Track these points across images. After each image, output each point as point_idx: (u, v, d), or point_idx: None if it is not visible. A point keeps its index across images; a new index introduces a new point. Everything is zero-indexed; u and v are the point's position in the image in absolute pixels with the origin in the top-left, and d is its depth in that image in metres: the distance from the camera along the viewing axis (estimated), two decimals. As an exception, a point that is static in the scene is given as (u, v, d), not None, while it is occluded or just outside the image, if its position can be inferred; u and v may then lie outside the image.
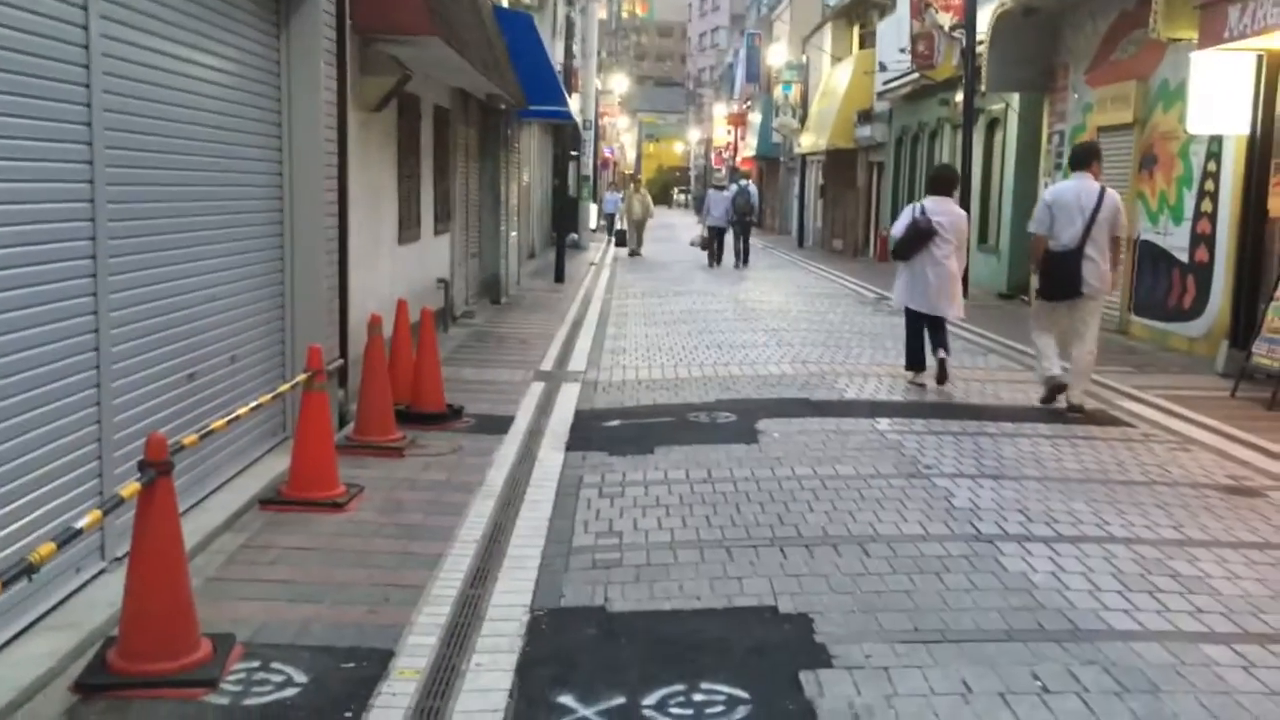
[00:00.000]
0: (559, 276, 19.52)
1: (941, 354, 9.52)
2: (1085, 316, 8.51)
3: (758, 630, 4.27)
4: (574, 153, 26.75)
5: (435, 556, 5.12)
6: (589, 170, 30.41)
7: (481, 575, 4.91)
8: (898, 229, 9.85)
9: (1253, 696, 3.68)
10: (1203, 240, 11.66)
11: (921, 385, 9.55)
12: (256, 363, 6.63)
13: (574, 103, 23.67)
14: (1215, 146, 11.39)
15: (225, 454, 6.10)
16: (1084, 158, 8.72)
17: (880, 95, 25.67)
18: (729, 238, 24.87)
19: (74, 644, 4.02)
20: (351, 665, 3.96)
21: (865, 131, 27.54)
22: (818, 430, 7.70)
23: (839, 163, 30.75)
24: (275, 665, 3.93)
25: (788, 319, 14.62)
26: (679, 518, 5.73)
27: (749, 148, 48.47)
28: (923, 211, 9.57)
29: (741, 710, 3.62)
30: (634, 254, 27.43)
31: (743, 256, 24.70)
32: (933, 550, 5.15)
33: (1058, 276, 8.47)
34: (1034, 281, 9.32)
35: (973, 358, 11.41)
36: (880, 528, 5.50)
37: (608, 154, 47.08)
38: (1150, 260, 12.84)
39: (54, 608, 4.26)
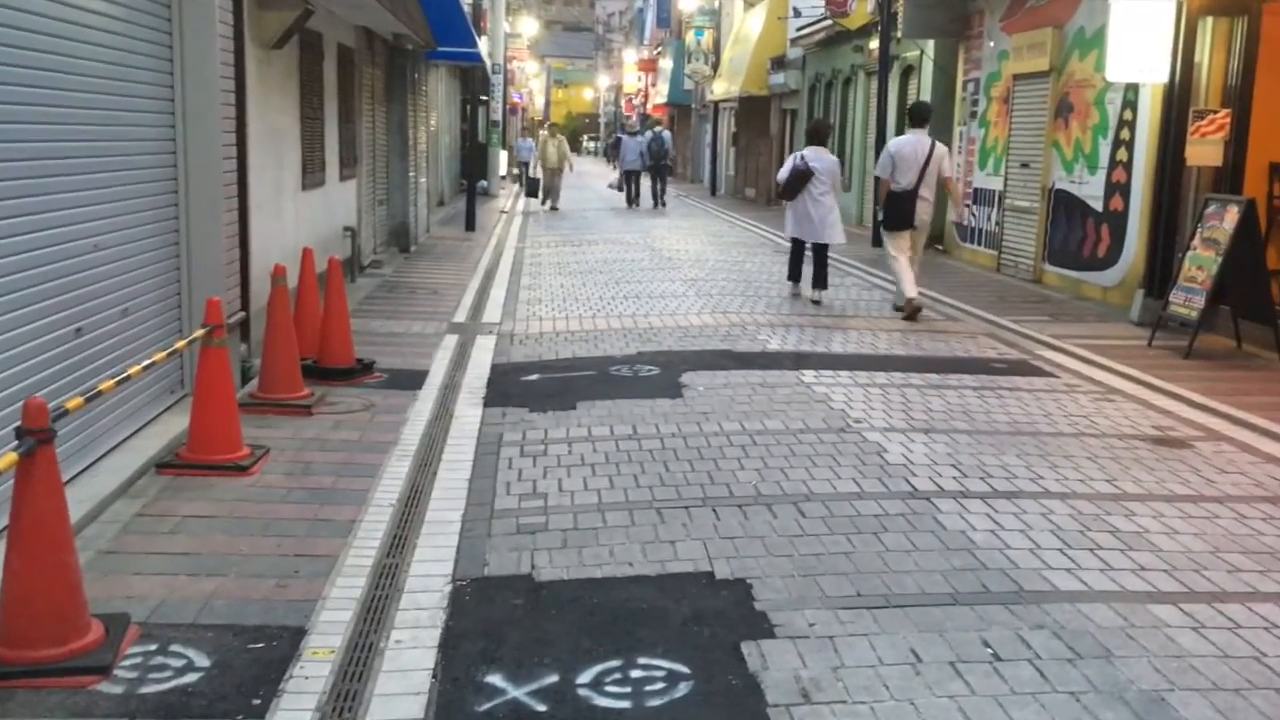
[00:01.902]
0: (470, 224, 19.04)
1: (823, 272, 11.60)
2: (917, 241, 10.96)
3: (695, 598, 4.06)
4: (483, 97, 26.11)
5: (348, 523, 4.81)
6: (498, 116, 29.75)
7: (399, 542, 4.62)
8: (782, 174, 11.90)
9: (1206, 660, 3.58)
10: (1118, 189, 11.70)
11: (798, 295, 11.74)
12: (151, 315, 6.20)
13: (482, 45, 23.02)
14: (1132, 95, 11.40)
15: (118, 414, 5.69)
16: (922, 115, 11.14)
17: (794, 42, 25.43)
18: (645, 181, 26.84)
19: (-53, 629, 3.65)
20: (260, 646, 3.65)
21: (779, 79, 27.32)
22: (743, 383, 7.52)
23: (752, 110, 30.52)
24: (175, 648, 3.61)
25: (705, 268, 14.41)
26: (606, 477, 5.49)
27: (660, 94, 47.95)
28: (802, 159, 11.61)
29: (683, 687, 3.40)
30: (552, 208, 24.54)
31: (659, 198, 26.82)
32: (869, 509, 4.99)
33: (899, 211, 10.75)
34: (878, 216, 11.73)
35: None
36: (814, 486, 5.33)
37: (517, 100, 46.17)
38: (1064, 209, 12.89)
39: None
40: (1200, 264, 9.04)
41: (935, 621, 3.82)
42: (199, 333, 5.35)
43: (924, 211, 10.74)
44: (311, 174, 10.37)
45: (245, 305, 7.51)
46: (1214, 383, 7.82)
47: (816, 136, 12.06)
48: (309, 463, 5.68)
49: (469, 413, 6.75)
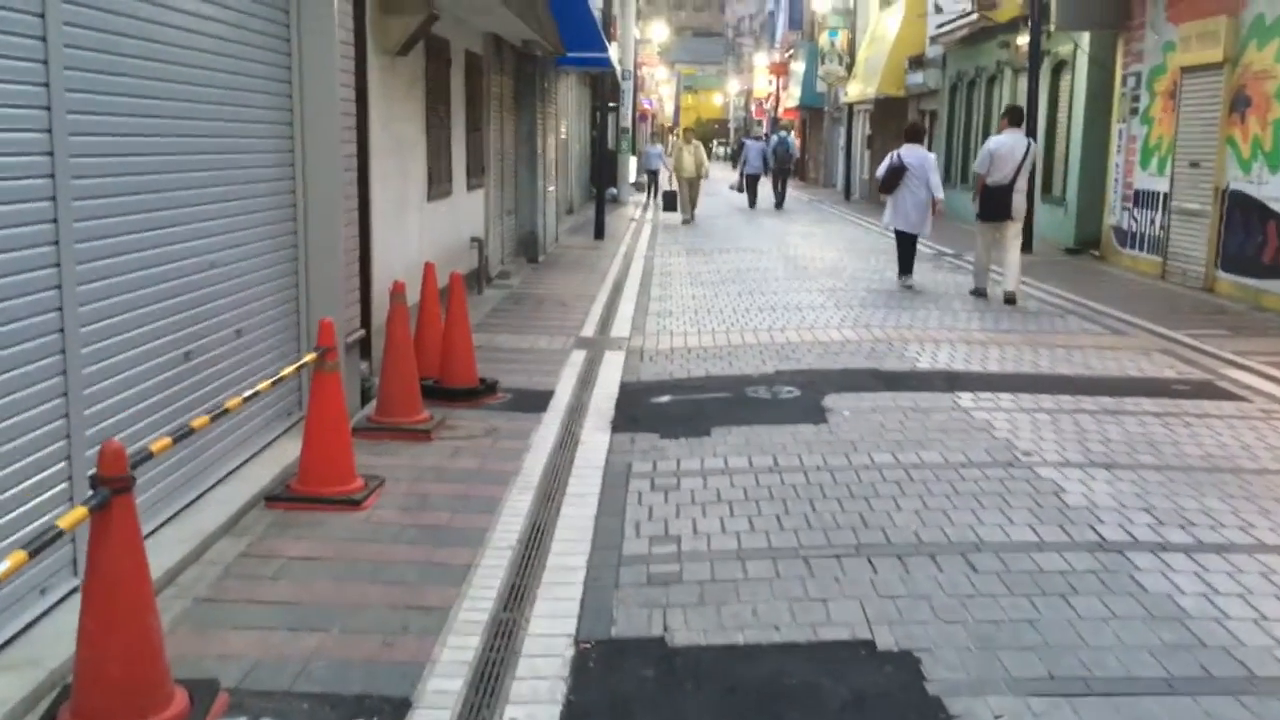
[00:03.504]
0: (599, 233, 18.69)
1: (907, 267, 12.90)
2: (1012, 232, 11.74)
3: (854, 674, 3.49)
4: (612, 104, 25.80)
5: (464, 568, 4.38)
6: (628, 122, 29.45)
7: (517, 593, 4.17)
8: (881, 170, 12.99)
9: None
10: (1304, 189, 10.63)
11: (910, 287, 12.60)
12: (266, 336, 5.89)
13: (612, 51, 22.70)
14: (1320, 86, 10.34)
15: (230, 440, 5.39)
16: (1018, 117, 12.21)
17: (934, 39, 24.44)
18: (764, 183, 28.19)
19: (29, 689, 3.33)
20: (358, 721, 3.23)
21: (917, 78, 26.33)
22: (893, 407, 6.88)
23: (888, 112, 29.52)
24: (265, 722, 3.21)
25: (843, 277, 13.73)
26: (745, 517, 4.95)
27: (792, 98, 47.10)
28: (898, 157, 12.76)
29: (846, 796, 2.85)
30: (686, 221, 22.49)
31: (780, 199, 27.94)
32: (1052, 563, 4.33)
33: (995, 204, 11.71)
34: (975, 207, 12.18)
35: (1050, 320, 10.49)
36: (983, 532, 4.69)
37: (646, 106, 45.91)
38: (1241, 212, 11.81)
39: (10, 640, 3.57)
40: None
41: (1151, 717, 3.17)
42: (309, 357, 5.00)
43: (1019, 204, 11.71)
44: (437, 184, 10.10)
45: (366, 323, 7.21)
46: None
47: (911, 135, 13.25)
48: (425, 495, 5.29)
49: (596, 439, 6.29)
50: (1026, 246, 16.16)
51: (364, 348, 7.16)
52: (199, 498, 4.99)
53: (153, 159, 4.62)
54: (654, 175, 29.65)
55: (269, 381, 4.56)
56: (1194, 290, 12.40)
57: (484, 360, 7.84)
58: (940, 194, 12.77)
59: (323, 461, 5.11)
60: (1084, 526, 4.73)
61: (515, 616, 3.97)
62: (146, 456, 3.30)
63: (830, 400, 7.06)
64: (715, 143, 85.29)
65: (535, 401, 7.12)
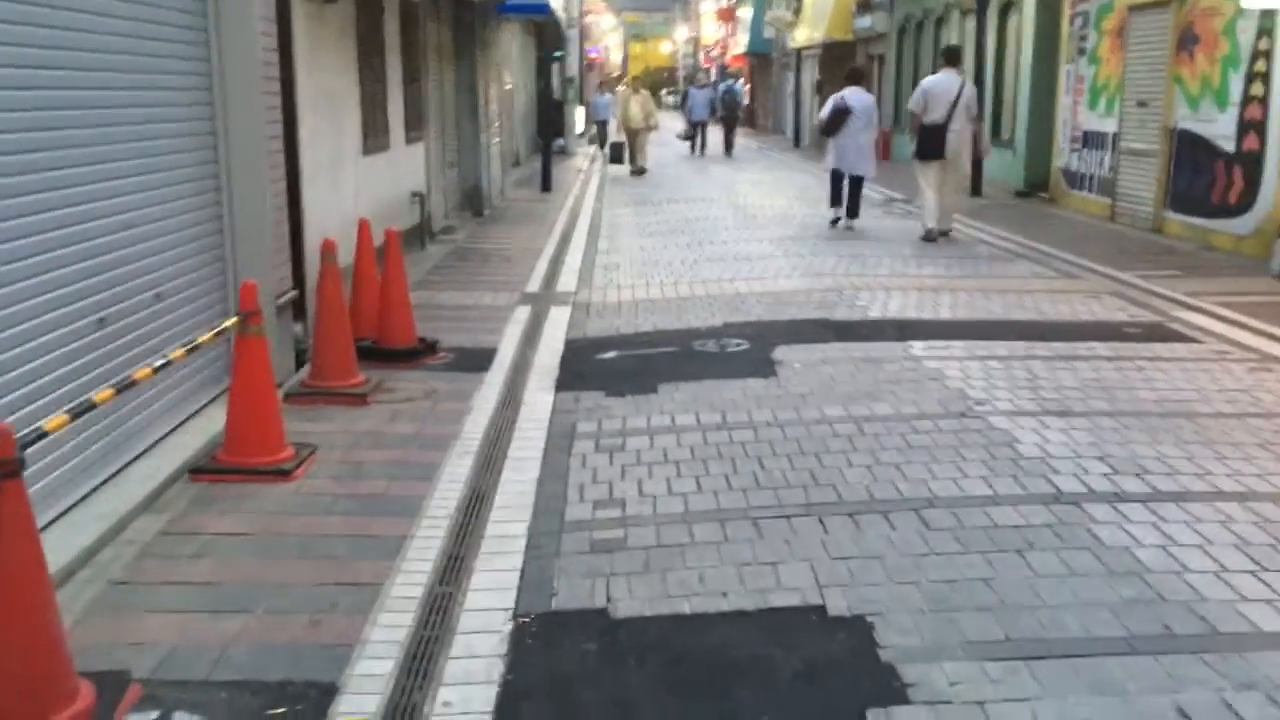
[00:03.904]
0: (545, 185, 18.35)
1: (854, 201, 13.14)
2: (951, 172, 12.14)
3: (805, 642, 3.34)
4: (557, 53, 25.31)
5: (399, 539, 4.17)
6: (574, 72, 28.97)
7: (454, 565, 3.97)
8: (824, 113, 13.33)
9: None
10: (1252, 127, 10.56)
11: (838, 219, 13.11)
12: (190, 300, 5.61)
13: (556, -1, 22.21)
14: (1268, 21, 10.23)
15: (153, 410, 5.12)
16: (954, 57, 12.67)
17: (881, -18, 24.19)
18: (713, 131, 28.87)
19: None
20: (280, 711, 3.03)
21: (865, 22, 26.07)
22: (843, 358, 6.73)
23: (836, 57, 29.18)
24: (180, 715, 3.00)
25: (793, 225, 13.54)
26: (692, 478, 4.78)
27: (739, 45, 46.65)
28: (842, 99, 12.98)
29: (797, 777, 2.70)
30: (637, 172, 21.97)
31: (729, 147, 28.49)
32: (1007, 517, 4.20)
33: (931, 143, 11.97)
34: (911, 148, 12.54)
35: (1001, 265, 10.39)
36: (937, 487, 4.55)
37: (593, 55, 45.22)
38: (1189, 151, 11.74)
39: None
40: (1361, 209, 7.97)
41: (1113, 680, 3.05)
42: (228, 322, 4.74)
43: (954, 143, 11.96)
44: (374, 138, 9.76)
45: (300, 283, 6.93)
46: (1387, 346, 6.83)
47: (853, 78, 13.60)
48: (360, 463, 5.06)
49: (540, 398, 6.08)
50: (976, 190, 16.16)
51: (297, 309, 6.89)
52: (118, 472, 4.74)
53: (50, 114, 4.32)
54: (603, 125, 29.16)
55: (182, 349, 4.30)
56: (1143, 231, 12.36)
57: (425, 319, 7.58)
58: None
59: (249, 430, 4.86)
60: (1038, 478, 4.60)
61: (451, 590, 3.78)
62: (39, 436, 3.05)
63: (780, 352, 6.89)
64: (665, 92, 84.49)
65: (477, 360, 6.89)
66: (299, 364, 6.60)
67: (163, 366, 4.06)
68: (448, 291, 9.32)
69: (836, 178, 13.20)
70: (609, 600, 3.67)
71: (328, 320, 6.06)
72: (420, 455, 5.15)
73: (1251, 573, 3.69)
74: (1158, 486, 4.49)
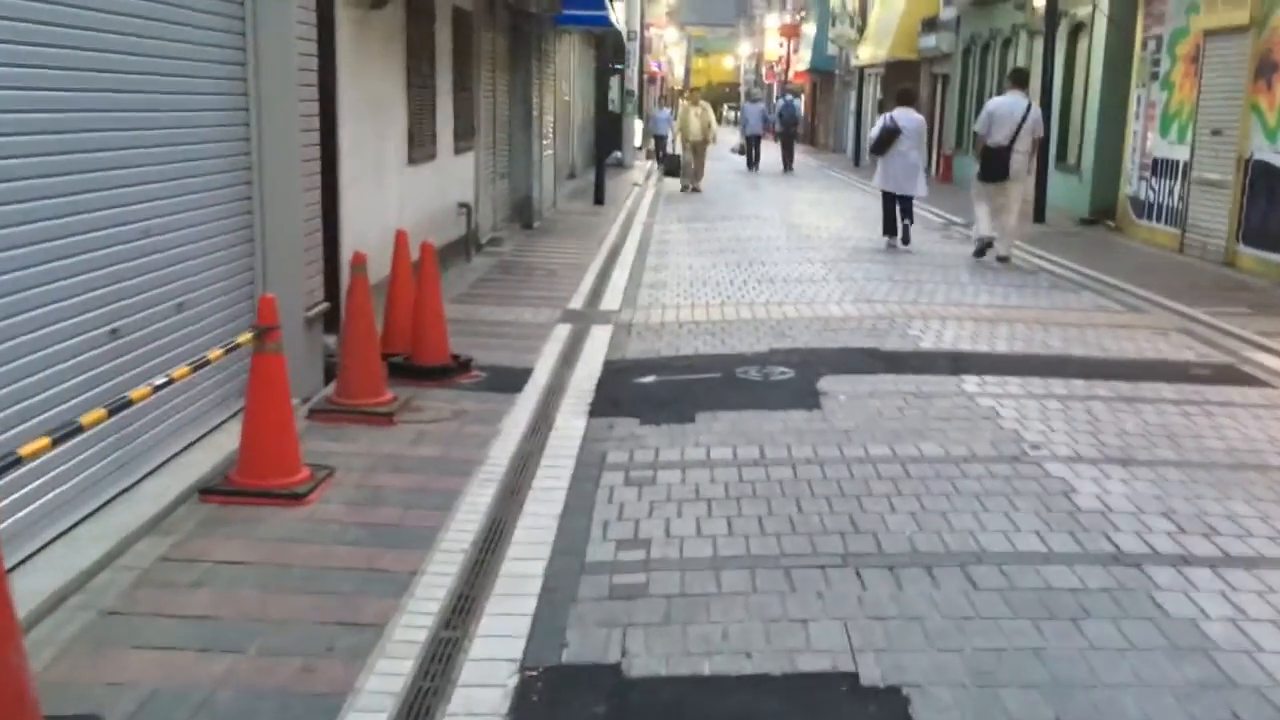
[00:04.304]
0: (598, 198, 18.15)
1: (906, 222, 13.03)
2: (1013, 193, 11.89)
3: (832, 715, 3.05)
4: (617, 65, 25.14)
5: (408, 575, 3.95)
6: (634, 84, 28.79)
7: (463, 605, 3.74)
8: (873, 133, 13.68)
9: None
10: (1334, 160, 10.08)
11: (894, 246, 12.90)
12: (214, 311, 5.44)
13: (618, 11, 22.03)
14: (1354, 50, 9.77)
15: (167, 426, 4.95)
16: (1021, 79, 12.53)
17: (948, 1, 23.76)
18: (766, 147, 29.01)
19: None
20: (258, 769, 2.80)
21: (930, 41, 25.64)
22: (892, 391, 6.42)
23: (900, 75, 28.71)
24: (150, 769, 2.79)
25: (846, 249, 13.21)
26: (723, 518, 4.50)
27: (802, 61, 46.30)
28: (891, 119, 13.19)
29: None
30: (690, 189, 21.08)
31: (787, 163, 28.18)
32: (1061, 579, 3.88)
33: (994, 165, 11.83)
34: (974, 169, 12.41)
35: (1063, 295, 10.00)
36: (985, 540, 4.24)
37: (655, 68, 45.08)
38: (1264, 182, 11.25)
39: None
40: None
41: (1175, 779, 2.74)
42: (243, 338, 4.55)
43: (1018, 165, 11.86)
44: (420, 147, 9.60)
45: (335, 295, 6.76)
46: None
47: (904, 99, 13.72)
48: (378, 488, 4.85)
49: (571, 424, 5.84)
50: (1040, 217, 15.71)
51: (331, 321, 6.72)
52: (130, 488, 4.57)
53: (86, 115, 4.18)
54: (660, 140, 28.88)
55: (188, 368, 4.11)
56: (1214, 264, 11.88)
57: (463, 334, 7.40)
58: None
59: (263, 450, 4.67)
60: (1097, 534, 4.27)
61: (457, 635, 3.54)
62: (13, 461, 2.85)
63: (826, 383, 6.59)
64: (726, 106, 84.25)
65: (511, 381, 6.67)
66: (329, 379, 6.42)
67: (163, 386, 3.86)
68: (488, 306, 9.13)
69: (888, 201, 13.18)
70: (624, 654, 3.40)
71: (355, 336, 5.87)
72: (441, 482, 4.93)
73: (1334, 655, 3.34)
74: (1228, 550, 4.14)
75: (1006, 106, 11.90)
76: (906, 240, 12.94)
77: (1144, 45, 14.40)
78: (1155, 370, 7.05)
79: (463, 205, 11.30)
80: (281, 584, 3.86)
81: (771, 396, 6.35)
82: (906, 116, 13.17)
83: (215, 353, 4.36)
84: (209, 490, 4.65)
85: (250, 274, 5.85)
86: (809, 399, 6.26)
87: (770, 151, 29.59)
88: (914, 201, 13.17)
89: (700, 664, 3.35)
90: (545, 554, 4.16)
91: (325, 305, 6.50)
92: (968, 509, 4.54)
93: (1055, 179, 16.58)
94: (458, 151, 11.26)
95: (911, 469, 5.06)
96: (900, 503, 4.63)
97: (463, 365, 6.81)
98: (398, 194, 8.91)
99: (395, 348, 6.75)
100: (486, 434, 5.62)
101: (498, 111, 13.58)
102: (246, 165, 5.75)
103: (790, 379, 6.73)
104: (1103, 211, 15.59)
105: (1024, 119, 11.73)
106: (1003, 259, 11.71)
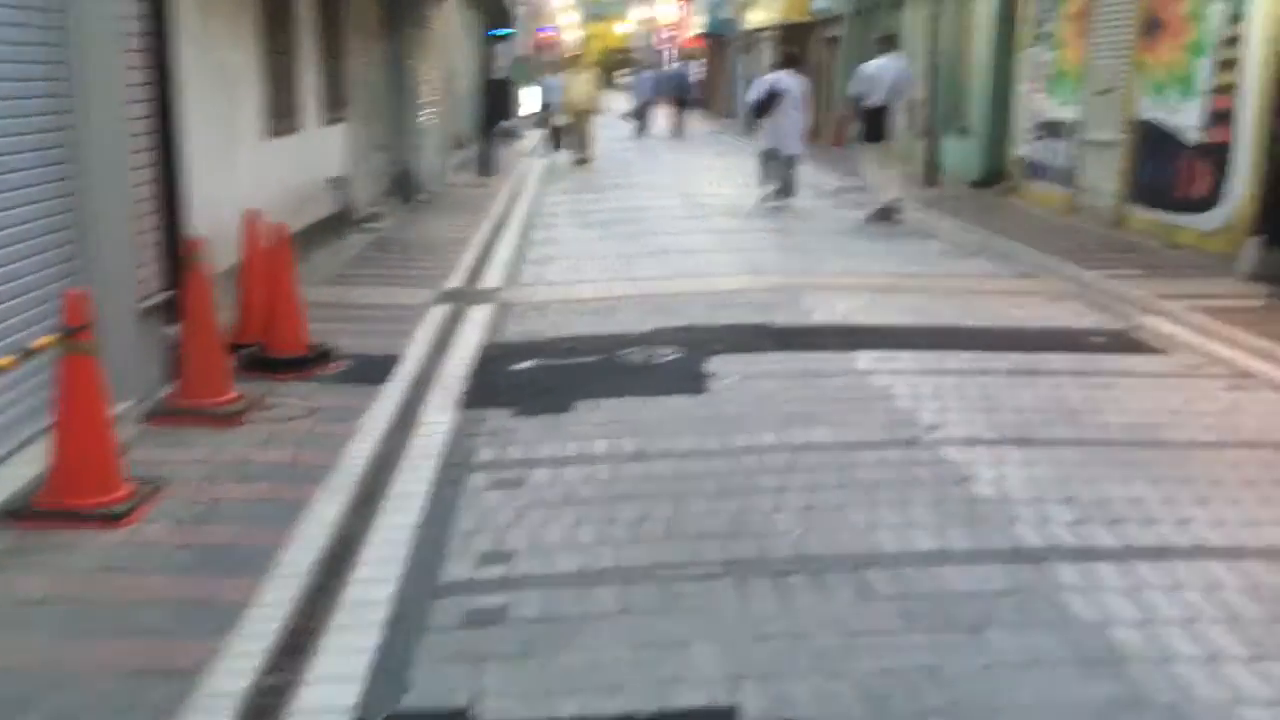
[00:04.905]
0: (484, 169, 17.58)
1: (791, 174, 13.57)
2: (890, 153, 12.44)
3: (707, 764, 2.68)
4: (502, 30, 24.42)
5: (235, 607, 3.47)
6: (522, 50, 28.09)
7: (296, 643, 3.28)
8: (752, 95, 13.71)
9: None
10: (1220, 117, 10.01)
11: (780, 206, 13.24)
12: (19, 310, 4.81)
13: (502, -26, 21.30)
14: (1237, 5, 9.67)
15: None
16: (890, 43, 13.05)
17: (837, -37, 23.54)
18: (660, 114, 29.88)
19: None
20: None
21: (822, 3, 25.40)
22: (783, 371, 6.08)
23: (793, 39, 28.54)
24: None
25: (740, 217, 12.89)
26: (596, 524, 4.09)
27: (697, 26, 45.86)
28: (775, 82, 13.40)
29: None
30: (581, 161, 20.25)
31: (679, 129, 28.60)
32: (959, 581, 3.57)
33: (876, 126, 12.24)
34: (853, 131, 12.98)
35: (957, 261, 9.81)
36: (879, 538, 3.91)
37: (544, 34, 44.22)
38: (1153, 142, 11.18)
39: None
40: (1339, 209, 7.43)
41: (1089, 828, 2.42)
42: (42, 341, 3.99)
43: (894, 125, 12.36)
44: (280, 119, 8.96)
45: (177, 282, 6.16)
46: (1370, 359, 6.28)
47: (788, 62, 14.33)
48: (215, 501, 4.34)
49: (438, 418, 5.38)
50: (933, 180, 15.60)
51: (173, 311, 6.12)
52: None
53: None
54: (550, 109, 28.01)
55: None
56: (1104, 225, 11.80)
57: (330, 319, 6.90)
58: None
59: (76, 466, 4.13)
60: (996, 527, 3.97)
61: (285, 680, 3.08)
62: None
63: (714, 364, 6.23)
64: (619, 73, 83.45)
65: (376, 371, 6.17)
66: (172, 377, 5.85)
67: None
68: (361, 288, 8.59)
69: (768, 156, 13.60)
70: (476, 695, 2.98)
71: (194, 329, 5.32)
72: (287, 491, 4.44)
73: (1248, 662, 3.07)
74: (1133, 540, 3.87)
75: (881, 69, 12.26)
76: (789, 194, 13.42)
77: (1030, 6, 14.28)
78: (1051, 339, 6.83)
79: (334, 180, 10.67)
80: (84, 626, 3.36)
81: (656, 380, 5.97)
82: (790, 79, 13.50)
83: (5, 360, 3.79)
84: (15, 513, 4.09)
85: (70, 265, 5.24)
86: (695, 382, 5.89)
87: (664, 118, 29.37)
88: (797, 159, 13.63)
89: (561, 704, 2.94)
90: (396, 575, 3.72)
91: (166, 295, 5.91)
92: (860, 503, 4.21)
93: (948, 142, 16.47)
94: (328, 123, 10.62)
95: (801, 459, 4.71)
96: (788, 499, 4.28)
97: (322, 355, 6.29)
98: (255, 170, 8.27)
99: (249, 337, 6.20)
100: (343, 433, 5.13)
101: (373, 80, 12.91)
102: (61, 144, 5.13)
103: (677, 360, 6.36)
104: (994, 174, 15.49)
105: (898, 80, 12.22)
106: (896, 219, 12.07)
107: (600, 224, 12.32)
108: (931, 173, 15.67)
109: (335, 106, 10.86)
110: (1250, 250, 8.89)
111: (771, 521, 4.07)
